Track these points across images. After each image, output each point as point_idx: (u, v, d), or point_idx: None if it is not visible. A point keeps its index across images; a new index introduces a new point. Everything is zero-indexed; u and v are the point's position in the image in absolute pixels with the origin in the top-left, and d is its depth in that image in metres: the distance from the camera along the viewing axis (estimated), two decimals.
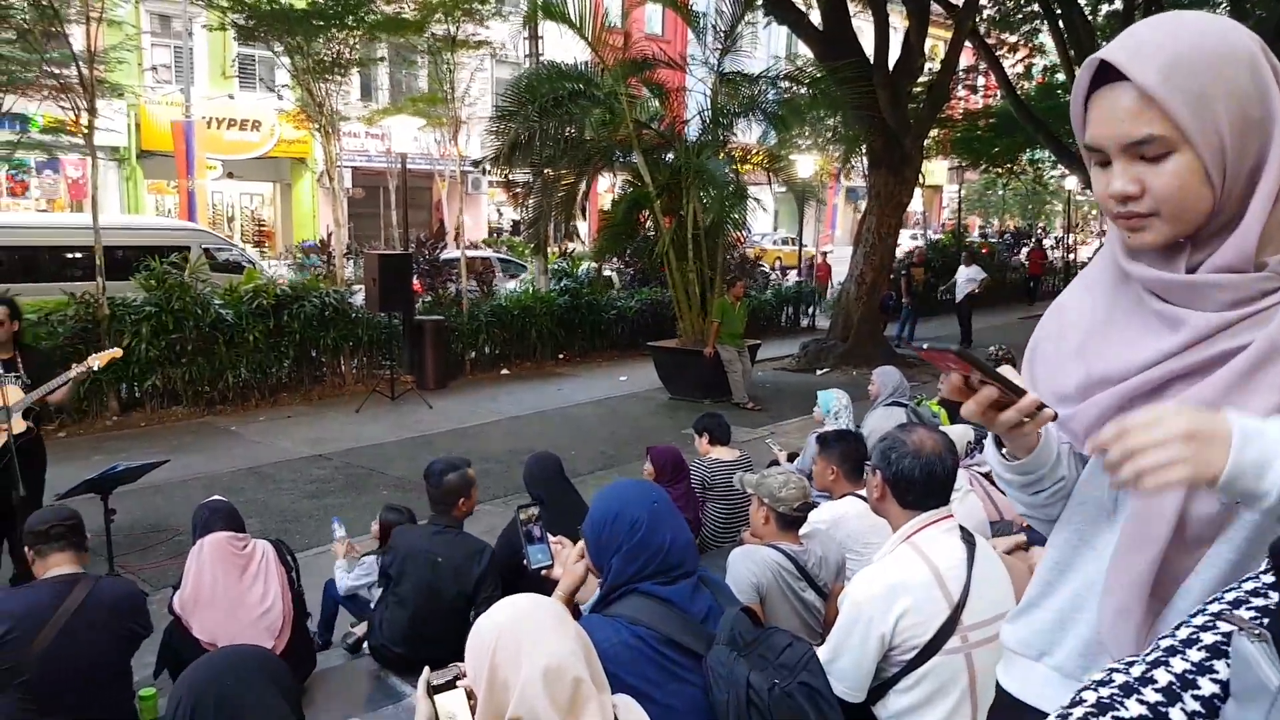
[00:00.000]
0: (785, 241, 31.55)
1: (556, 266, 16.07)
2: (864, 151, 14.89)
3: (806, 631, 3.17)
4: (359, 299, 12.15)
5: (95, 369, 5.51)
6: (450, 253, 15.60)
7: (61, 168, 23.04)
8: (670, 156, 12.31)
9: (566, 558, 2.28)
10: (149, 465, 5.57)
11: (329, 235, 15.91)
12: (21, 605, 3.16)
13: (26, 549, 3.33)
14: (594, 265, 16.11)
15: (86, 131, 9.83)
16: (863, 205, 15.76)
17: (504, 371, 13.50)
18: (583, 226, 18.12)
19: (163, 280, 10.11)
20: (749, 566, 3.15)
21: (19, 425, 5.29)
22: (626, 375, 13.35)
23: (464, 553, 3.92)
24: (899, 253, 16.79)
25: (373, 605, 4.65)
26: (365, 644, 4.50)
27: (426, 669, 1.70)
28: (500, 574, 3.89)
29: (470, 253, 15.74)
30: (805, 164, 17.27)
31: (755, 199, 13.02)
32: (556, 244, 16.84)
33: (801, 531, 3.37)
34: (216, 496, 3.98)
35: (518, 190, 16.48)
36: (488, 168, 14.76)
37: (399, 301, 11.34)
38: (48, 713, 3.13)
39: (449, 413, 10.94)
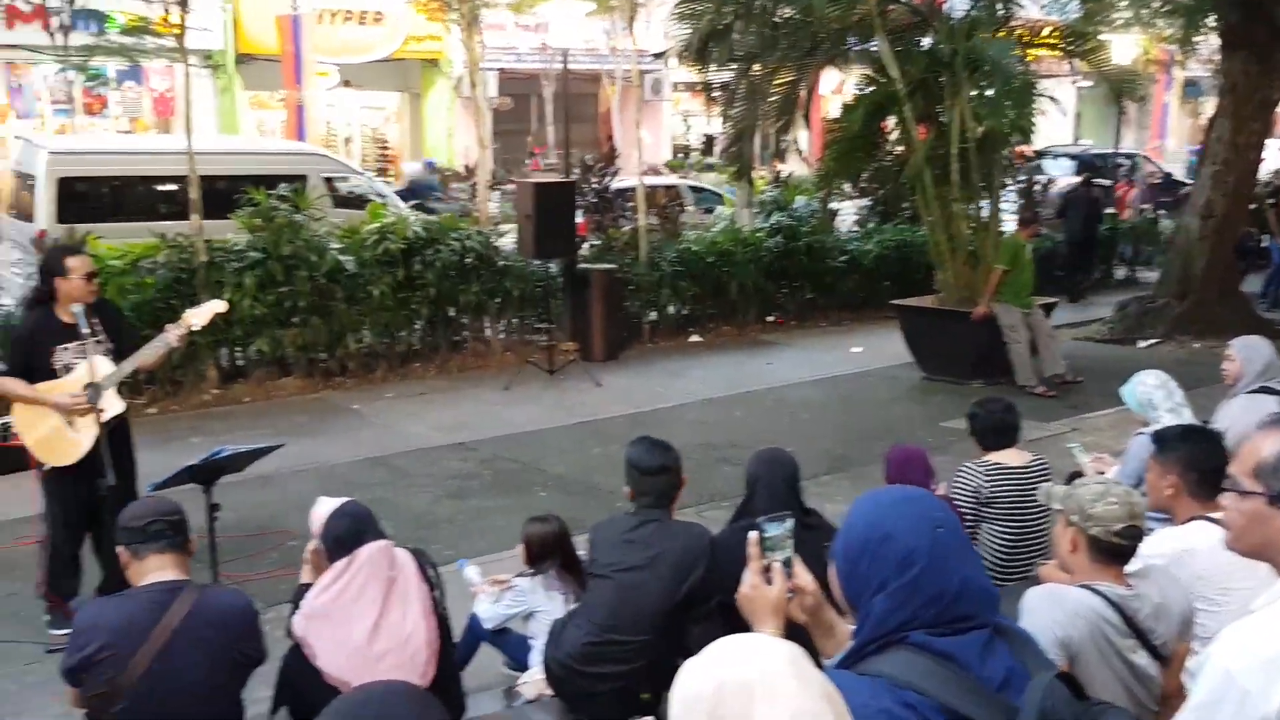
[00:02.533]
0: None
1: (766, 197, 15.97)
2: (1213, 26, 13.95)
3: (1135, 708, 3.05)
4: (507, 242, 12.50)
5: (195, 328, 5.93)
6: (624, 180, 15.76)
7: (145, 78, 24.92)
8: (927, 41, 11.95)
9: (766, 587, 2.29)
10: (260, 450, 5.94)
11: (471, 163, 16.43)
12: (116, 618, 3.44)
13: (120, 548, 3.62)
14: (818, 194, 15.89)
15: (177, 31, 10.51)
16: (1208, 105, 14.75)
17: (694, 338, 13.59)
18: (802, 141, 17.89)
19: (269, 218, 10.75)
20: (1053, 615, 3.05)
21: (116, 404, 5.77)
22: (861, 346, 13.15)
23: (682, 547, 4.23)
24: (1264, 173, 15.68)
25: (531, 640, 4.85)
26: (522, 690, 4.68)
27: None
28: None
29: (650, 180, 15.88)
30: (1123, 46, 16.37)
31: (1049, 97, 12.47)
32: (765, 166, 16.73)
33: (1129, 569, 3.22)
34: (347, 499, 4.18)
35: (714, 94, 16.43)
36: (673, 64, 14.81)
37: (559, 245, 11.59)
38: None
39: (622, 392, 11.13)
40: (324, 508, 4.09)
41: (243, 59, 24.46)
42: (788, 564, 2.35)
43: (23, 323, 6.04)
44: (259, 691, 3.98)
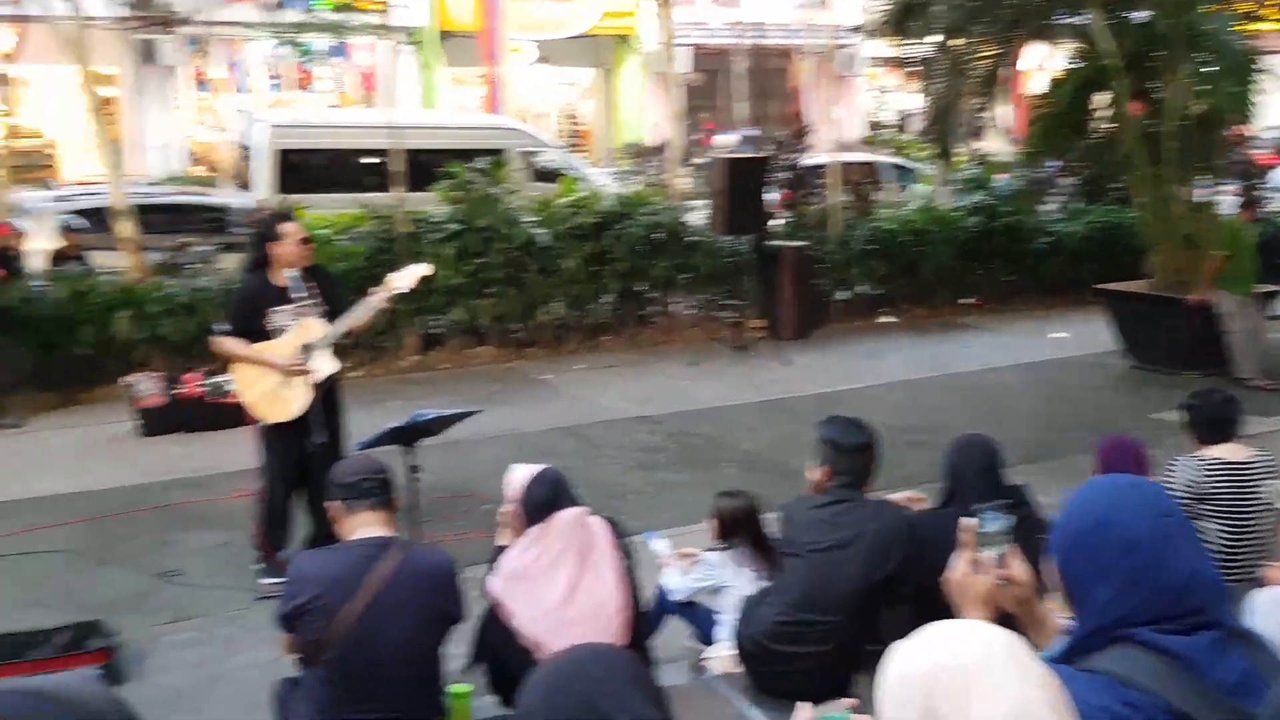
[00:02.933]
0: None
1: (966, 174, 15.55)
2: None
3: None
4: (695, 218, 12.51)
5: (401, 290, 6.13)
6: (817, 156, 15.58)
7: (350, 54, 25.86)
8: (1141, 15, 11.38)
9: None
10: (460, 414, 6.13)
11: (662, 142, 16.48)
12: (328, 570, 3.59)
13: (332, 502, 3.77)
14: (1022, 173, 15.37)
15: (381, 8, 10.86)
16: None
17: (885, 319, 13.36)
18: (1004, 118, 17.34)
19: (468, 191, 11.04)
20: None
21: (330, 364, 6.03)
22: (1066, 331, 12.68)
23: (883, 527, 4.16)
24: None
25: (718, 615, 4.86)
26: (709, 664, 4.69)
27: (807, 710, 1.69)
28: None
29: (846, 156, 15.64)
30: None
31: (1272, 74, 11.73)
32: (964, 143, 16.26)
33: None
34: (544, 465, 4.30)
35: (912, 69, 16.08)
36: (868, 38, 14.52)
37: (750, 222, 11.54)
38: (351, 698, 3.57)
39: (811, 371, 11.03)
40: (520, 473, 4.17)
41: (444, 36, 25.10)
42: (1000, 554, 2.29)
43: (242, 286, 6.34)
44: (454, 648, 4.11)
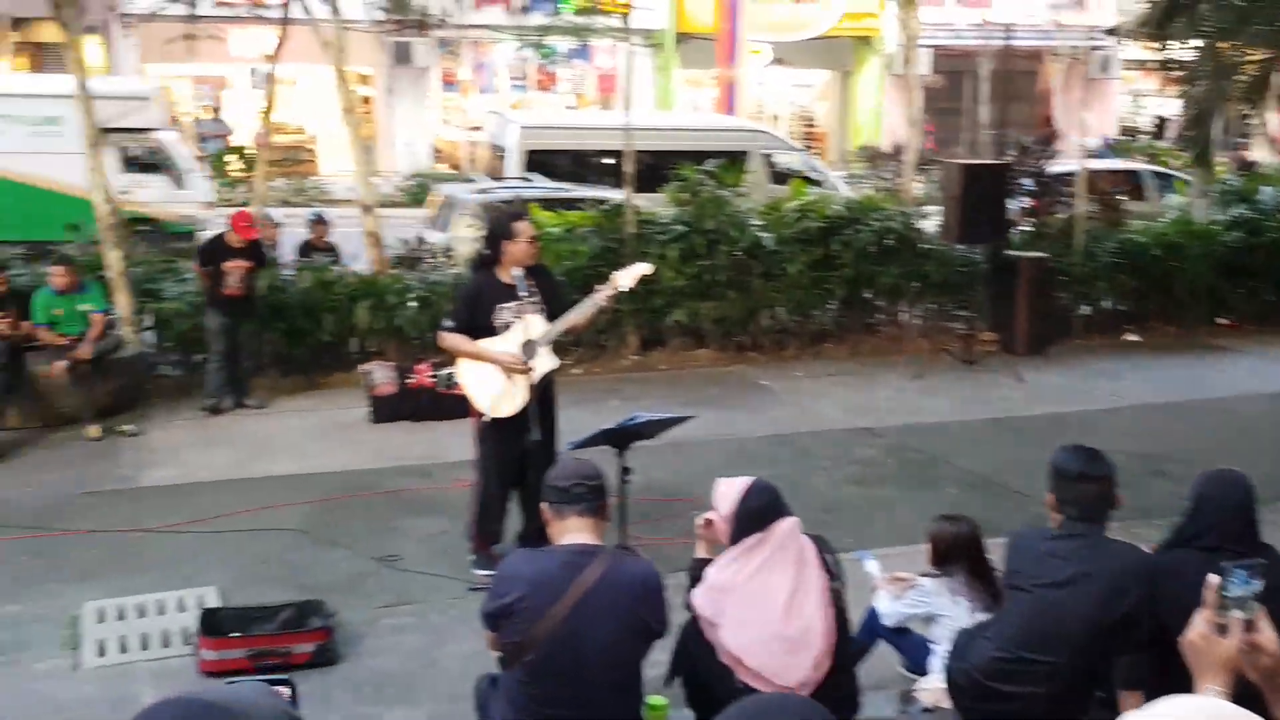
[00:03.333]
0: None
1: (1225, 185, 14.56)
2: None
3: None
4: (928, 225, 12.15)
5: (623, 289, 6.14)
6: (1065, 164, 14.88)
7: (591, 57, 26.39)
8: None
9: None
10: (673, 420, 6.09)
11: (899, 142, 16.12)
12: (534, 572, 3.60)
13: (544, 504, 3.78)
14: None
15: (624, 11, 10.98)
16: None
17: (1130, 337, 12.66)
18: (1272, 125, 16.18)
19: (695, 193, 11.03)
20: None
21: (549, 362, 6.11)
22: None
23: (1120, 566, 3.93)
24: None
25: (932, 644, 4.65)
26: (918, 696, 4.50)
27: None
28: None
29: (1094, 163, 14.88)
30: None
31: None
32: (1226, 152, 15.26)
33: None
34: (755, 477, 4.18)
35: (1174, 73, 15.17)
36: (1125, 40, 13.77)
37: (988, 230, 11.11)
38: (548, 702, 3.58)
39: (1045, 389, 10.55)
40: (730, 485, 4.09)
41: (681, 38, 25.30)
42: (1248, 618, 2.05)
43: (469, 282, 6.47)
44: (652, 656, 4.05)
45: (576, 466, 3.78)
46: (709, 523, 4.15)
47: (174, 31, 20.98)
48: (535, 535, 6.32)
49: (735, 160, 12.32)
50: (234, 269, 9.10)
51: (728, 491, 4.05)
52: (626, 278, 6.11)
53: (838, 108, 29.21)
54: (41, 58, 25.97)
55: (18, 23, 21.19)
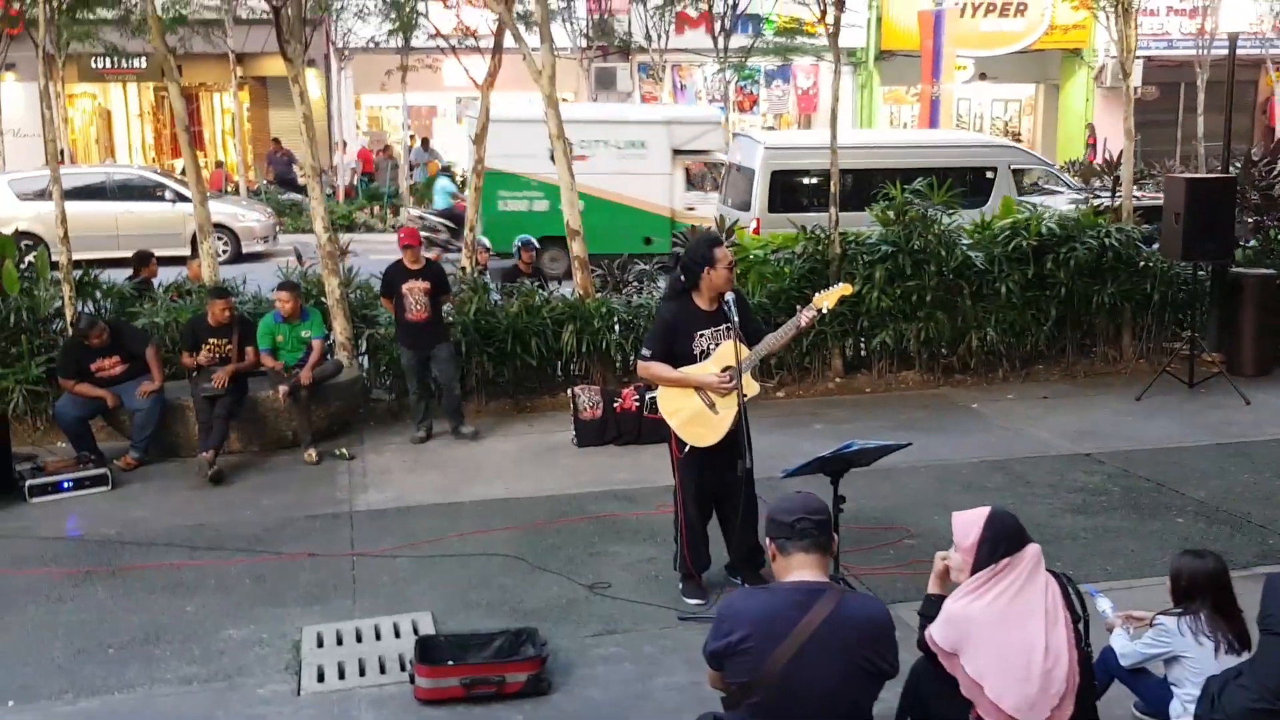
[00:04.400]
0: None
1: None
2: None
3: None
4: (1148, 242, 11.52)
5: (824, 311, 5.97)
6: None
7: (793, 76, 26.19)
8: None
9: None
10: (889, 447, 5.87)
11: (1114, 155, 15.40)
12: (759, 612, 3.46)
13: (768, 540, 3.63)
14: None
15: (831, 30, 10.76)
16: None
17: None
18: None
19: (902, 213, 10.70)
20: None
21: (752, 386, 5.94)
22: None
23: None
24: None
25: (1173, 686, 4.35)
26: None
27: None
28: None
29: None
30: None
31: None
32: None
33: None
34: (995, 504, 4.02)
35: None
36: None
37: (1212, 246, 10.47)
38: None
39: (1274, 412, 9.94)
40: (967, 517, 3.94)
41: (882, 55, 24.92)
42: None
43: (666, 310, 6.34)
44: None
45: (801, 500, 3.63)
46: (946, 559, 4.03)
47: (390, 63, 21.94)
48: (742, 565, 6.20)
49: (983, 176, 12.15)
50: (412, 291, 9.19)
51: (967, 523, 3.90)
52: (828, 299, 6.00)
53: (1042, 121, 28.25)
54: (264, 91, 27.47)
55: (241, 58, 22.39)
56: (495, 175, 15.13)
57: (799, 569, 3.51)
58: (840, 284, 6.20)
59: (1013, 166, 15.46)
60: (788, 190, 14.76)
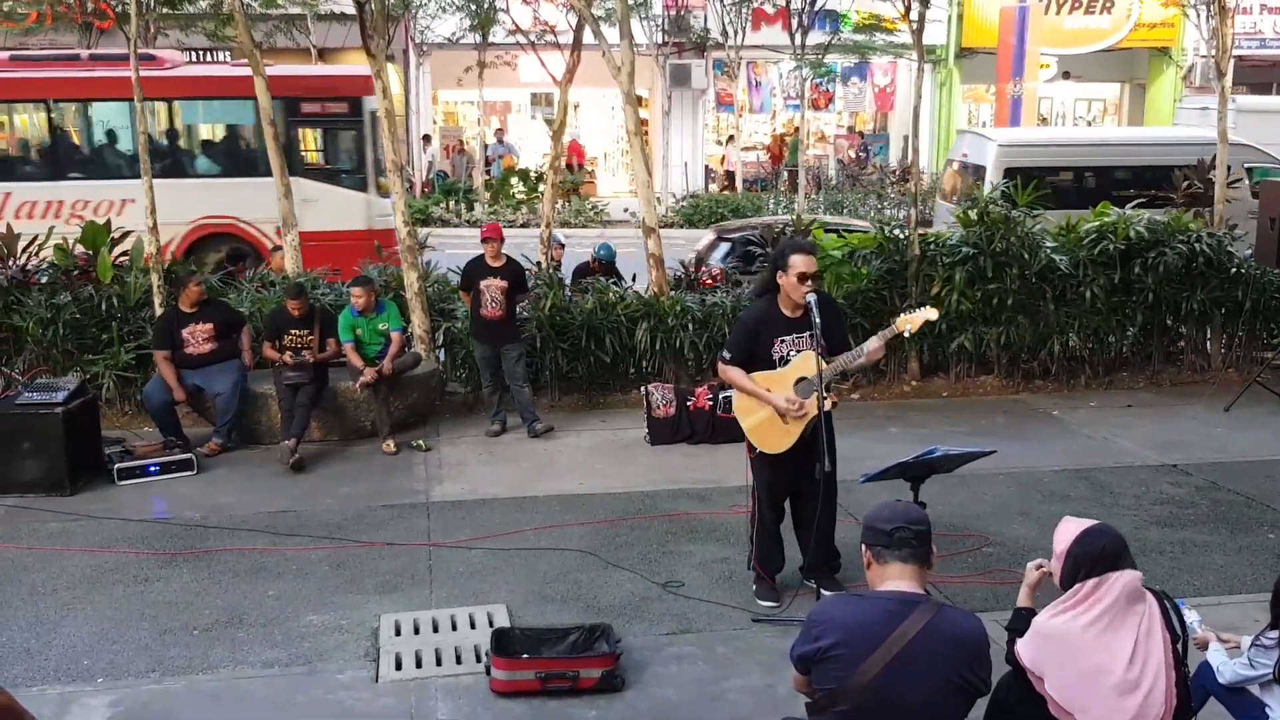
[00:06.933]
0: None
1: None
2: None
3: None
4: (1242, 247, 11.26)
5: (907, 334, 5.87)
6: None
7: (870, 74, 25.97)
8: None
9: None
10: (973, 454, 5.81)
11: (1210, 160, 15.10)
12: (852, 619, 3.43)
13: (864, 547, 3.58)
14: None
15: (915, 26, 10.67)
16: None
17: None
18: None
19: (985, 214, 10.57)
20: None
21: (824, 403, 5.80)
22: None
23: None
24: None
25: (1269, 710, 4.23)
26: None
27: None
28: None
29: None
30: None
31: None
32: None
33: None
34: (1094, 522, 3.90)
35: None
36: None
37: None
38: None
39: None
40: (1070, 524, 3.87)
41: (963, 53, 24.62)
42: None
43: (749, 312, 6.32)
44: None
45: (903, 510, 3.59)
46: (1041, 567, 3.98)
47: (468, 59, 22.13)
48: (818, 569, 6.17)
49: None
50: (489, 288, 9.26)
51: (1067, 529, 3.84)
52: (911, 323, 5.85)
53: (1129, 120, 27.73)
54: None
55: (323, 53, 22.69)
56: None
57: (895, 579, 3.47)
58: (927, 308, 5.99)
59: (1246, 165, 15.24)
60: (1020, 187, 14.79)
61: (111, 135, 15.23)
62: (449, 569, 6.71)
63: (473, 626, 5.87)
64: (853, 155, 27.31)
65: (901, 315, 5.96)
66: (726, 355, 6.08)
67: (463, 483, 8.32)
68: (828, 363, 5.78)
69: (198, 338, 8.95)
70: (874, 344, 5.84)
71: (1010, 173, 14.26)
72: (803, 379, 5.82)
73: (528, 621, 5.87)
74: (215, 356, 8.98)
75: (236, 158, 15.52)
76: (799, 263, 5.80)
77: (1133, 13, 24.44)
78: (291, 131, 14.77)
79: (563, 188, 20.67)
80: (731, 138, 25.96)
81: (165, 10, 18.69)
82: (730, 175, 25.76)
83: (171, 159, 14.93)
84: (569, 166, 26.22)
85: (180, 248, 13.78)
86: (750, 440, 6.05)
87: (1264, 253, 10.36)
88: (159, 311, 9.44)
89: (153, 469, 8.32)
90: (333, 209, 14.20)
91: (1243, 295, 10.93)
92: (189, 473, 8.39)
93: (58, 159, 14.86)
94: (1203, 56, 22.95)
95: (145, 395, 8.93)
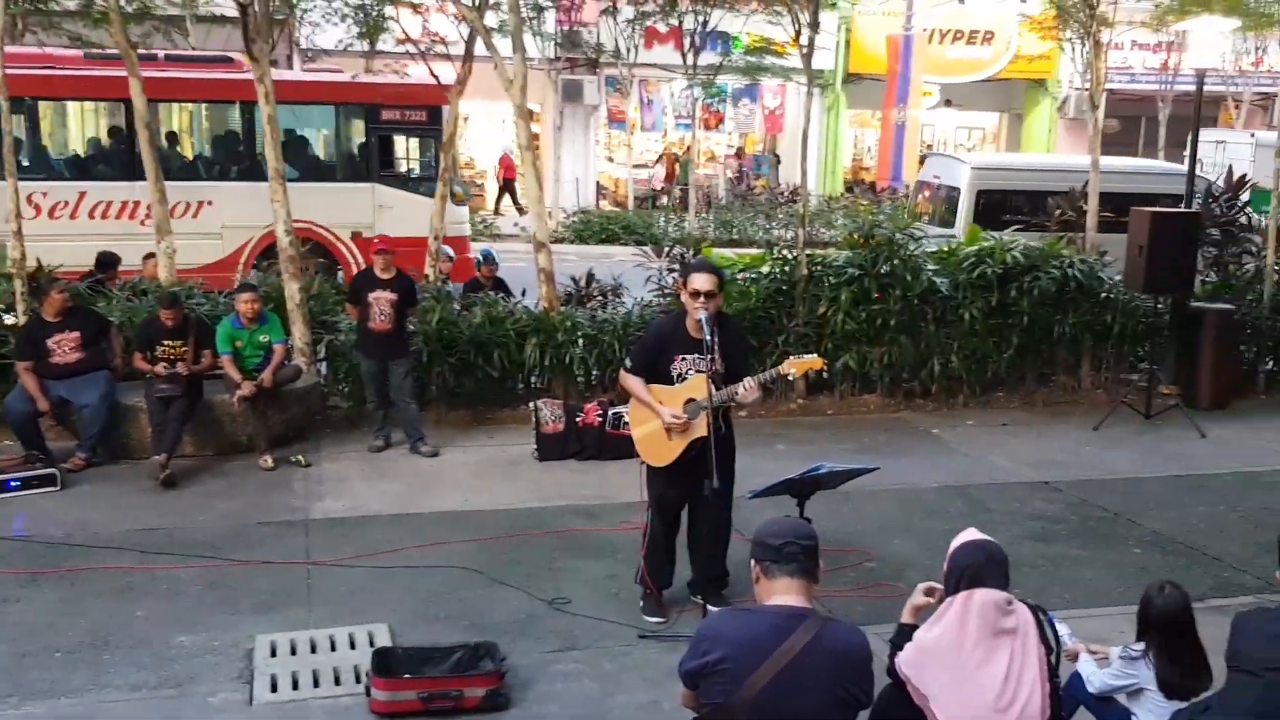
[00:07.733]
0: None
1: None
2: None
3: None
4: (1111, 273, 11.68)
5: (791, 378, 5.96)
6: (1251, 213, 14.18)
7: (760, 96, 26.31)
8: None
9: None
10: (856, 471, 5.89)
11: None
12: (739, 634, 3.43)
13: (753, 562, 3.59)
14: None
15: (805, 51, 10.83)
16: None
17: None
18: None
19: (870, 237, 10.78)
20: None
21: (705, 428, 5.81)
22: None
23: None
24: None
25: (1134, 717, 4.39)
26: None
27: None
28: None
29: None
30: None
31: None
32: None
33: None
34: (986, 537, 4.02)
35: None
36: None
37: (1173, 280, 10.62)
38: None
39: (1229, 446, 10.08)
40: (963, 536, 3.97)
41: (850, 78, 25.12)
42: None
43: (655, 326, 6.36)
44: None
45: (792, 525, 3.61)
46: (931, 590, 4.05)
47: (355, 66, 21.78)
48: (704, 584, 6.20)
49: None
50: (379, 300, 9.09)
51: (959, 539, 3.97)
52: (796, 367, 5.98)
53: (1005, 150, 28.63)
54: None
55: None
56: None
57: (783, 593, 3.47)
58: (814, 356, 6.09)
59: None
60: (991, 209, 14.98)
61: (172, 138, 15.19)
62: (329, 588, 6.55)
63: (353, 647, 5.74)
64: (729, 175, 27.76)
65: (790, 357, 6.08)
66: (628, 364, 6.16)
67: (344, 499, 8.15)
68: (718, 388, 5.80)
69: (64, 347, 8.61)
70: (749, 385, 5.78)
71: (982, 195, 14.98)
72: (692, 400, 5.85)
73: (411, 641, 5.75)
74: (82, 367, 8.64)
75: (313, 163, 15.53)
76: (694, 280, 5.84)
77: (1011, 44, 25.24)
78: (370, 139, 15.09)
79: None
80: (661, 157, 26.18)
81: (29, 6, 17.98)
82: (660, 193, 26.08)
83: (249, 162, 14.64)
84: (505, 181, 26.13)
85: (255, 251, 13.64)
86: (638, 451, 6.08)
87: (1132, 279, 10.72)
88: (21, 320, 9.09)
89: (13, 484, 7.96)
90: (407, 215, 14.18)
91: (1111, 319, 11.32)
92: (52, 488, 8.06)
93: (133, 159, 14.40)
94: (1077, 89, 23.82)
95: (6, 406, 8.56)
